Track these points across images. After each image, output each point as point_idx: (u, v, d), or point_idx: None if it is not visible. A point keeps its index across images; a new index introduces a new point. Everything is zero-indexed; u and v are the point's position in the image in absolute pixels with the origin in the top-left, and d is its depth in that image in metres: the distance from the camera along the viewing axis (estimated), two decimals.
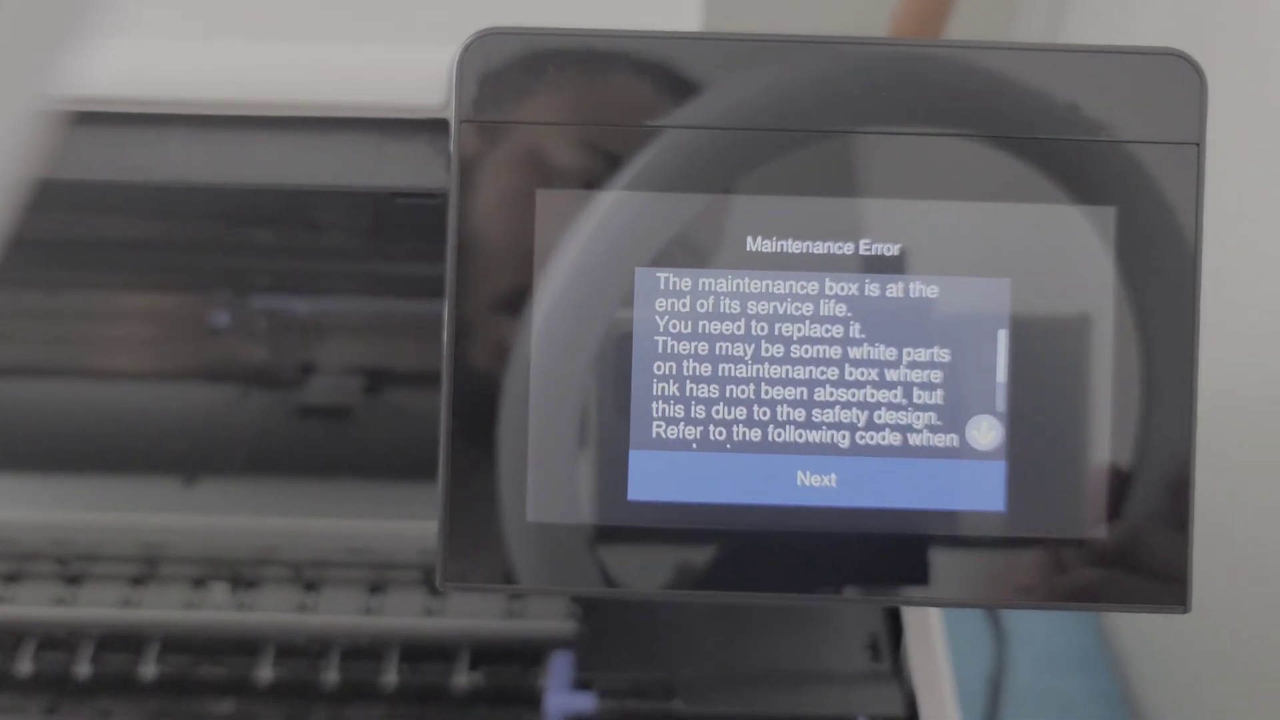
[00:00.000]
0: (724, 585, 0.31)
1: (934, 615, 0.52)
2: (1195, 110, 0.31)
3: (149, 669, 0.60)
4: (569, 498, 0.31)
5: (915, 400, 0.31)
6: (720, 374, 0.31)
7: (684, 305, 0.31)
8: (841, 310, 0.31)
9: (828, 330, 0.31)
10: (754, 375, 0.31)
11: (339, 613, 0.62)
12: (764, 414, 0.31)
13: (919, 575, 0.31)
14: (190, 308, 0.69)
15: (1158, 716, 0.67)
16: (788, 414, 0.31)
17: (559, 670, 0.55)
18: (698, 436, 0.31)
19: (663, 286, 0.31)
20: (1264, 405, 0.59)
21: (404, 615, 0.62)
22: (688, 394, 0.31)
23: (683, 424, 0.31)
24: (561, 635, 0.60)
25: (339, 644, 0.62)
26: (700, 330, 0.31)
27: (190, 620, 0.62)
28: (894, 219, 0.31)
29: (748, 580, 0.31)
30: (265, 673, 0.60)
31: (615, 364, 0.31)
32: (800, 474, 0.31)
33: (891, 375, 0.31)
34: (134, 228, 0.57)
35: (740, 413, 0.31)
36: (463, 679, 0.60)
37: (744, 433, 0.31)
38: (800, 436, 0.31)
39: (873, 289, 0.31)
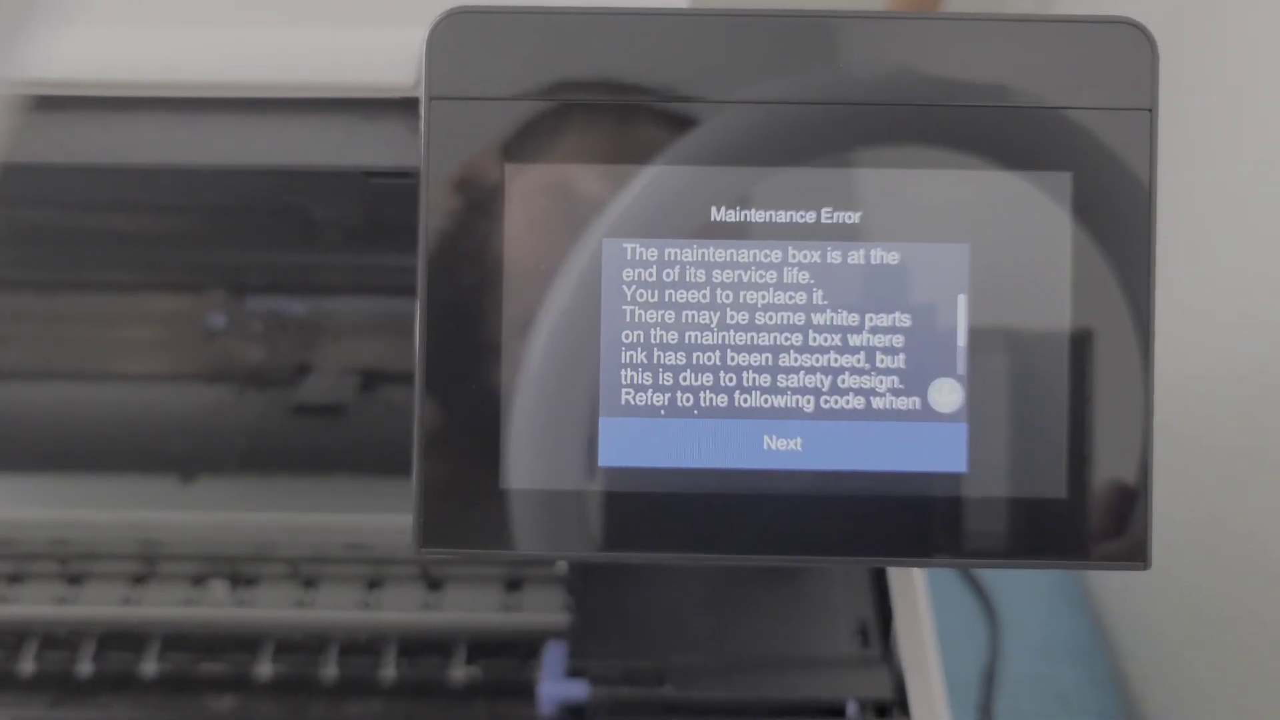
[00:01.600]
0: (693, 548, 0.32)
1: (922, 600, 0.53)
2: (1147, 77, 0.32)
3: (150, 666, 0.61)
4: (541, 464, 0.32)
5: (878, 365, 0.32)
6: (687, 341, 0.32)
7: (650, 275, 0.32)
8: (804, 278, 0.32)
9: (791, 298, 0.32)
10: (720, 343, 0.32)
11: (337, 608, 0.63)
12: (730, 380, 0.32)
13: (884, 536, 0.32)
14: (187, 309, 0.70)
15: (1154, 704, 0.67)
16: (753, 380, 0.32)
17: (552, 659, 0.55)
18: (666, 403, 0.32)
19: (629, 257, 0.32)
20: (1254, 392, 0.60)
21: (401, 610, 0.63)
22: (655, 361, 0.32)
23: (651, 391, 0.32)
24: (557, 627, 0.61)
25: (337, 639, 0.62)
26: (666, 299, 0.32)
27: (190, 617, 0.63)
28: (854, 188, 0.32)
29: (717, 543, 0.32)
30: (265, 669, 0.61)
31: (584, 333, 0.32)
32: (766, 438, 0.32)
33: (854, 340, 0.32)
34: (127, 226, 0.58)
35: (707, 379, 0.32)
36: (460, 672, 0.61)
37: (711, 399, 0.32)
38: (766, 402, 0.32)
39: (834, 256, 0.32)
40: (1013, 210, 0.31)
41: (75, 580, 0.65)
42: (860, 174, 0.32)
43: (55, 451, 0.64)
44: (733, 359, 0.32)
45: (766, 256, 0.32)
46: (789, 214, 0.32)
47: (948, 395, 0.32)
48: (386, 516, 0.62)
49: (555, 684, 0.53)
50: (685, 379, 0.32)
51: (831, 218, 0.32)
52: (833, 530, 0.32)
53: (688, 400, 0.32)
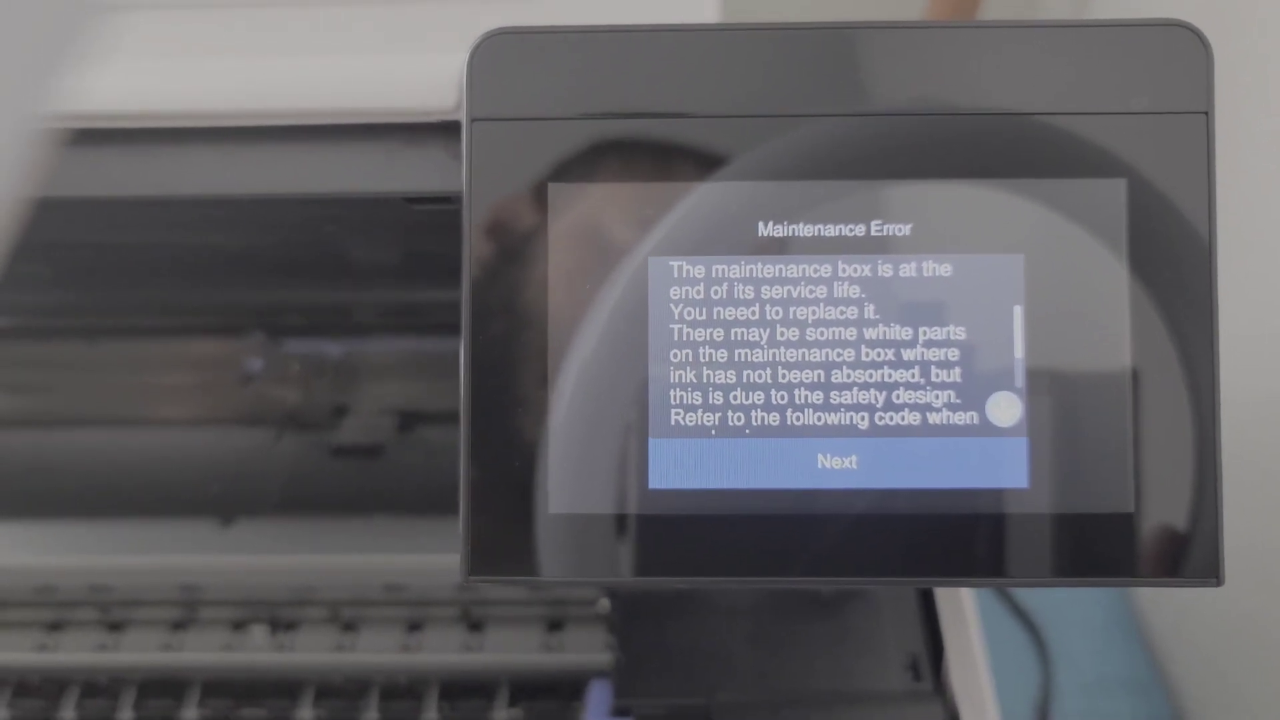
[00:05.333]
0: (748, 571, 0.31)
1: (974, 632, 0.51)
2: (1203, 79, 0.31)
3: (190, 713, 0.60)
4: (590, 488, 0.31)
5: (933, 379, 0.31)
6: (737, 359, 0.31)
7: (698, 292, 0.31)
8: (855, 292, 0.31)
9: (842, 312, 0.31)
10: (770, 360, 0.31)
11: (377, 651, 0.62)
12: (782, 398, 0.31)
13: (943, 555, 0.31)
14: (224, 353, 0.70)
15: None
16: (806, 397, 0.31)
17: (596, 699, 0.54)
18: (716, 423, 0.31)
19: (676, 274, 0.31)
20: None
21: (442, 652, 0.62)
22: (705, 381, 0.31)
23: (701, 411, 0.31)
24: (599, 666, 0.60)
25: (378, 683, 0.62)
26: (715, 317, 0.31)
27: (230, 663, 0.63)
28: (904, 199, 0.31)
29: (771, 565, 0.31)
30: (305, 713, 0.60)
31: (632, 353, 0.31)
32: (820, 457, 0.31)
33: (908, 355, 0.31)
34: (164, 265, 0.58)
35: (758, 397, 0.31)
36: (502, 714, 0.60)
37: (762, 418, 0.31)
38: (819, 419, 0.31)
39: (886, 270, 0.31)
40: (1067, 219, 0.31)
41: (115, 627, 0.64)
42: (910, 185, 0.31)
43: (95, 498, 0.64)
44: (784, 376, 0.31)
45: (816, 271, 0.31)
46: (838, 227, 0.31)
47: (1007, 409, 0.31)
48: (427, 557, 0.61)
49: None
50: (736, 398, 0.31)
51: (882, 230, 0.31)
52: (891, 551, 0.31)
53: (739, 419, 0.31)
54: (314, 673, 0.62)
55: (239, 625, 0.64)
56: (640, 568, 0.31)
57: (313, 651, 0.62)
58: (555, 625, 0.63)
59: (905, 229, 0.31)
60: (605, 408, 0.31)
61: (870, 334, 0.31)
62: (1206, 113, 0.31)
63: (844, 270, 0.31)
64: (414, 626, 0.63)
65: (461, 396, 0.32)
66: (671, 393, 0.31)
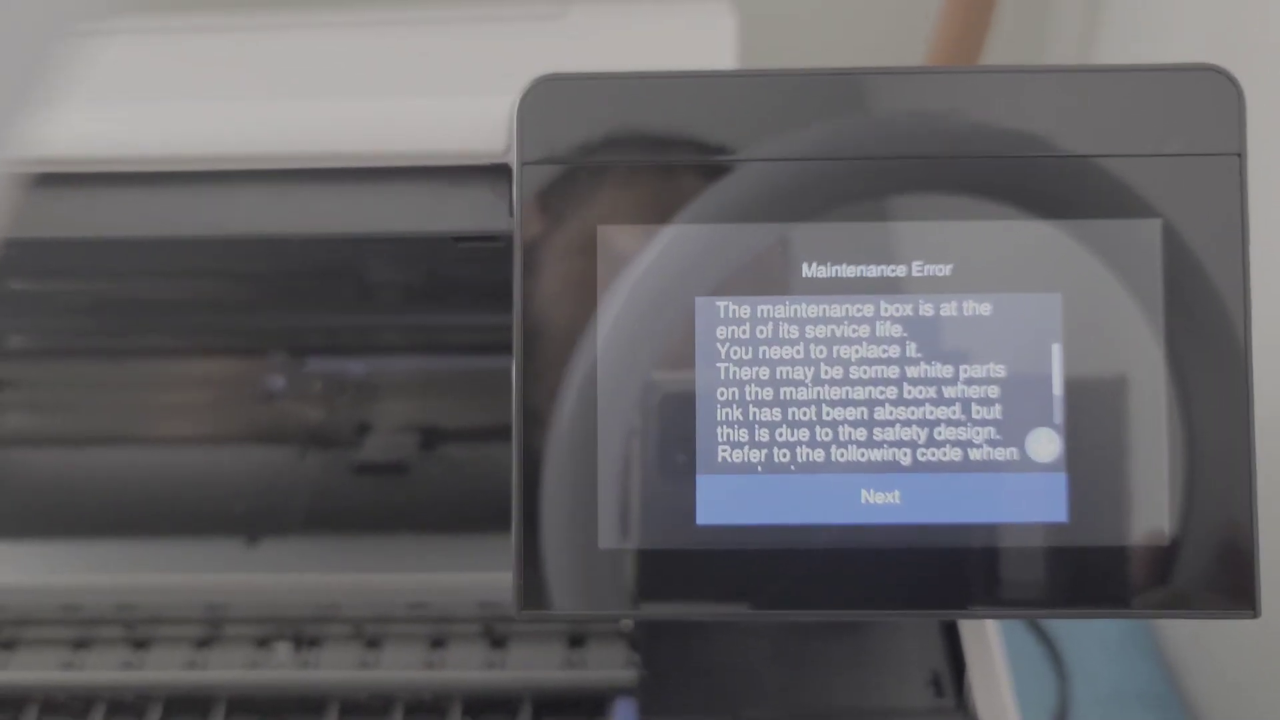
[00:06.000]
0: (794, 604, 0.32)
1: (996, 648, 0.52)
2: (1234, 122, 0.32)
3: None
4: (639, 524, 0.32)
5: (974, 415, 0.32)
6: (782, 397, 0.32)
7: (744, 332, 0.32)
8: (897, 331, 0.32)
9: (885, 351, 0.32)
10: (815, 397, 0.32)
11: (401, 668, 0.63)
12: (826, 435, 0.32)
13: (986, 588, 0.32)
14: (247, 372, 0.70)
15: None
16: (849, 434, 0.32)
17: (622, 717, 0.55)
18: (762, 459, 0.32)
19: (722, 315, 0.32)
20: None
21: (465, 669, 0.63)
22: (751, 418, 0.32)
23: (747, 447, 0.32)
24: (622, 683, 0.61)
25: (402, 699, 0.62)
26: (760, 356, 0.32)
27: (255, 680, 0.63)
28: (944, 240, 0.32)
29: (817, 599, 0.32)
30: None
31: (679, 391, 0.32)
32: (864, 492, 0.32)
33: (949, 392, 0.32)
34: (188, 293, 0.59)
35: (803, 434, 0.32)
36: None
37: (807, 454, 0.32)
38: (863, 455, 0.32)
39: (927, 309, 0.32)
40: (1104, 258, 0.32)
41: (141, 645, 0.65)
42: (949, 226, 0.32)
43: (121, 517, 0.64)
44: (828, 414, 0.32)
45: (859, 311, 0.32)
46: (880, 268, 0.32)
47: (1046, 445, 0.32)
48: (451, 575, 0.62)
49: None
50: (781, 435, 0.32)
51: (922, 271, 0.32)
52: (933, 583, 0.32)
53: (784, 456, 0.32)
54: (338, 689, 0.63)
55: (263, 642, 0.65)
56: (689, 602, 0.32)
57: (337, 668, 0.63)
58: (576, 642, 0.63)
59: (946, 269, 0.32)
60: (653, 445, 0.32)
61: (912, 372, 0.32)
62: (1239, 154, 0.32)
63: (886, 310, 0.32)
64: (437, 643, 0.64)
65: (514, 435, 0.32)
66: (719, 430, 0.32)
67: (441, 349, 0.69)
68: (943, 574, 0.32)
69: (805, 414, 0.32)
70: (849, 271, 0.32)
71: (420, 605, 0.63)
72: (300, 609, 0.64)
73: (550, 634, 0.64)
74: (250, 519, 0.64)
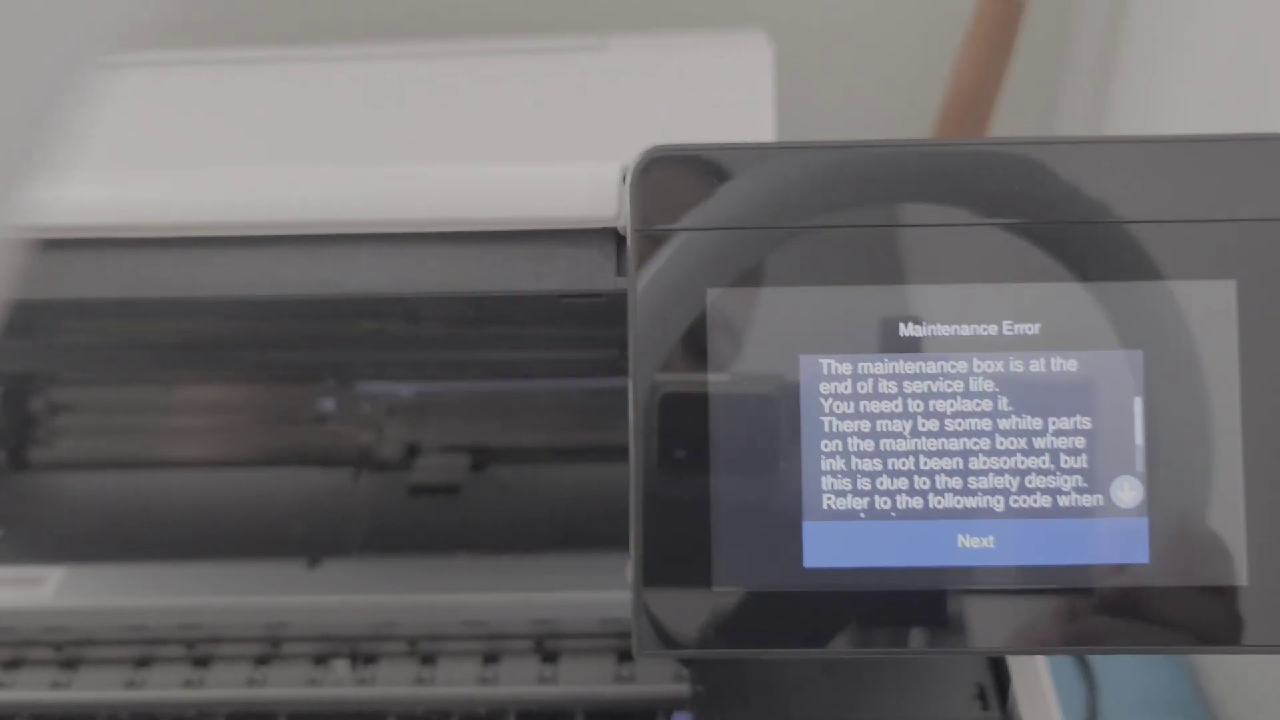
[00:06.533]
0: (895, 643, 0.34)
1: (1041, 662, 0.55)
2: None
3: None
4: (750, 567, 0.34)
5: (1062, 465, 0.34)
6: (882, 449, 0.34)
7: (845, 388, 0.34)
8: (989, 386, 0.34)
9: (978, 404, 0.34)
10: (913, 449, 0.34)
11: (456, 684, 0.65)
12: (924, 483, 0.34)
13: (1074, 625, 0.34)
14: (297, 396, 0.72)
15: None
16: (946, 483, 0.34)
17: None
18: (865, 506, 0.34)
19: (825, 371, 0.34)
20: None
21: (518, 684, 0.65)
22: (853, 468, 0.34)
23: (850, 495, 0.34)
24: (671, 696, 0.63)
25: (457, 713, 0.64)
26: (861, 410, 0.34)
27: (315, 696, 0.65)
28: (1033, 301, 0.34)
29: (916, 638, 0.34)
30: None
31: (785, 442, 0.34)
32: (960, 537, 0.34)
33: (1039, 443, 0.34)
34: (260, 329, 0.61)
35: (902, 483, 0.34)
36: None
37: (907, 501, 0.34)
38: (959, 503, 0.34)
39: (1017, 365, 0.34)
40: (1182, 317, 0.34)
41: (201, 663, 0.67)
42: (1037, 288, 0.34)
43: (184, 539, 0.66)
44: (926, 464, 0.34)
45: (953, 368, 0.34)
46: (972, 327, 0.34)
47: (1129, 492, 0.34)
48: (503, 595, 0.64)
49: None
50: (882, 484, 0.34)
51: (1012, 329, 0.34)
52: (1023, 622, 0.34)
53: (885, 503, 0.34)
54: (396, 705, 0.65)
55: (320, 660, 0.67)
56: (797, 641, 0.34)
57: (393, 685, 0.65)
58: (625, 656, 0.66)
59: (1034, 328, 0.34)
60: (763, 493, 0.34)
61: (1004, 424, 0.34)
62: None
63: (978, 366, 0.34)
64: (489, 659, 0.66)
65: (632, 486, 0.34)
66: (823, 479, 0.34)
67: (485, 373, 0.71)
68: (1034, 613, 0.34)
69: (904, 464, 0.34)
70: (943, 331, 0.34)
71: (474, 623, 0.65)
72: (357, 627, 0.66)
73: (600, 649, 0.66)
74: (311, 541, 0.66)
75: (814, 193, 0.35)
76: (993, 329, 0.34)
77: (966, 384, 0.34)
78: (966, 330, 0.34)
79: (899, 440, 0.34)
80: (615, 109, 0.67)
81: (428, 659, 0.67)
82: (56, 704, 0.66)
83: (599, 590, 0.63)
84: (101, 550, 0.66)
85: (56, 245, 0.40)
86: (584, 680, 0.65)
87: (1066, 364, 0.34)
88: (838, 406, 0.34)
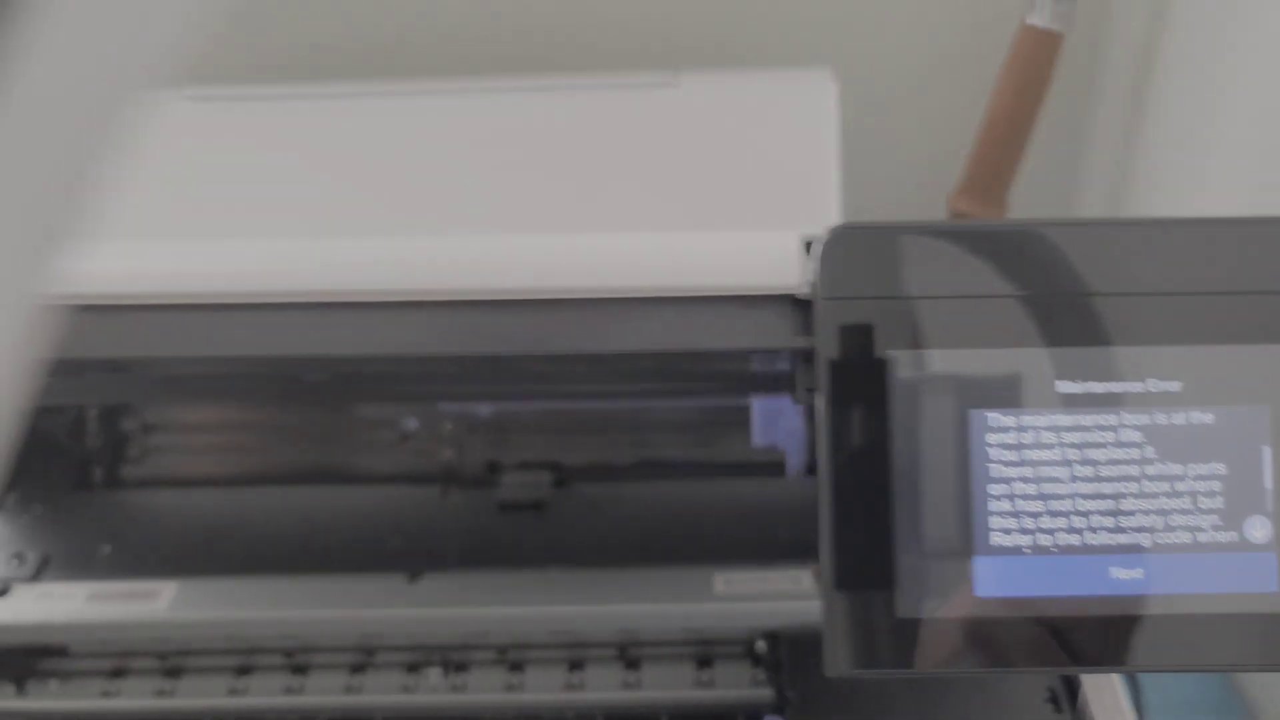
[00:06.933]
0: (1054, 662, 0.39)
1: None
2: None
3: None
4: (929, 597, 0.39)
5: (1201, 506, 0.39)
6: (1043, 492, 0.39)
7: (1010, 439, 0.39)
8: (1137, 437, 0.39)
9: (1127, 454, 0.39)
10: (1071, 492, 0.39)
11: (544, 690, 0.69)
12: (1080, 522, 0.39)
13: (1214, 646, 0.39)
14: (383, 415, 0.76)
15: None
16: (1100, 522, 0.39)
17: None
18: (1029, 543, 0.39)
19: (991, 424, 0.39)
20: None
21: (603, 689, 0.69)
22: (1018, 509, 0.39)
23: (1015, 533, 0.39)
24: (749, 700, 0.68)
25: (546, 718, 0.68)
26: (1024, 458, 0.39)
27: (410, 703, 0.69)
28: (1174, 362, 0.39)
29: (1072, 657, 0.39)
30: None
31: (958, 487, 0.39)
32: (1113, 569, 0.39)
33: (1180, 487, 0.39)
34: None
35: (1061, 522, 0.39)
36: None
37: (1065, 538, 0.39)
38: (1111, 539, 0.39)
39: (1160, 419, 0.39)
40: None
41: (299, 671, 0.70)
42: (1179, 350, 0.39)
43: (287, 554, 0.70)
44: (1082, 505, 0.39)
45: (1105, 421, 0.39)
46: (1122, 385, 0.39)
47: (1260, 529, 0.39)
48: (594, 608, 0.68)
49: None
50: (1043, 523, 0.39)
51: (1156, 387, 0.39)
52: (1167, 644, 0.39)
53: (1046, 540, 0.39)
54: (488, 710, 0.69)
55: (413, 668, 0.70)
56: (968, 661, 0.39)
57: (484, 692, 0.69)
58: (704, 663, 0.70)
59: (1175, 386, 0.39)
60: (939, 531, 0.39)
61: (1150, 470, 0.39)
62: None
63: (1127, 420, 0.39)
64: (575, 666, 0.70)
65: (822, 525, 0.39)
66: (991, 519, 0.39)
67: (562, 391, 0.75)
68: (1177, 636, 0.39)
69: (1063, 505, 0.39)
70: (1097, 388, 0.39)
71: (561, 632, 0.69)
72: (449, 637, 0.69)
73: (680, 656, 0.70)
74: (408, 556, 0.69)
75: (981, 267, 0.39)
76: (1139, 386, 0.39)
77: (1117, 435, 0.39)
78: (1117, 388, 0.39)
79: (1058, 484, 0.39)
80: (689, 145, 0.72)
81: (516, 666, 0.70)
82: (161, 711, 0.70)
83: (679, 603, 0.67)
84: (206, 565, 0.69)
85: (172, 309, 0.44)
86: (666, 685, 0.69)
87: (1204, 417, 0.39)
88: (1004, 455, 0.39)
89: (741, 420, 0.76)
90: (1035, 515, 0.39)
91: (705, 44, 0.89)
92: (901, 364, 0.39)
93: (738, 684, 0.69)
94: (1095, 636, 0.39)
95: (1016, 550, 0.39)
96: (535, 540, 0.71)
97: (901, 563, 0.39)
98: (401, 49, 0.90)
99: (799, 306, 0.40)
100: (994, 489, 0.39)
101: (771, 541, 0.69)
